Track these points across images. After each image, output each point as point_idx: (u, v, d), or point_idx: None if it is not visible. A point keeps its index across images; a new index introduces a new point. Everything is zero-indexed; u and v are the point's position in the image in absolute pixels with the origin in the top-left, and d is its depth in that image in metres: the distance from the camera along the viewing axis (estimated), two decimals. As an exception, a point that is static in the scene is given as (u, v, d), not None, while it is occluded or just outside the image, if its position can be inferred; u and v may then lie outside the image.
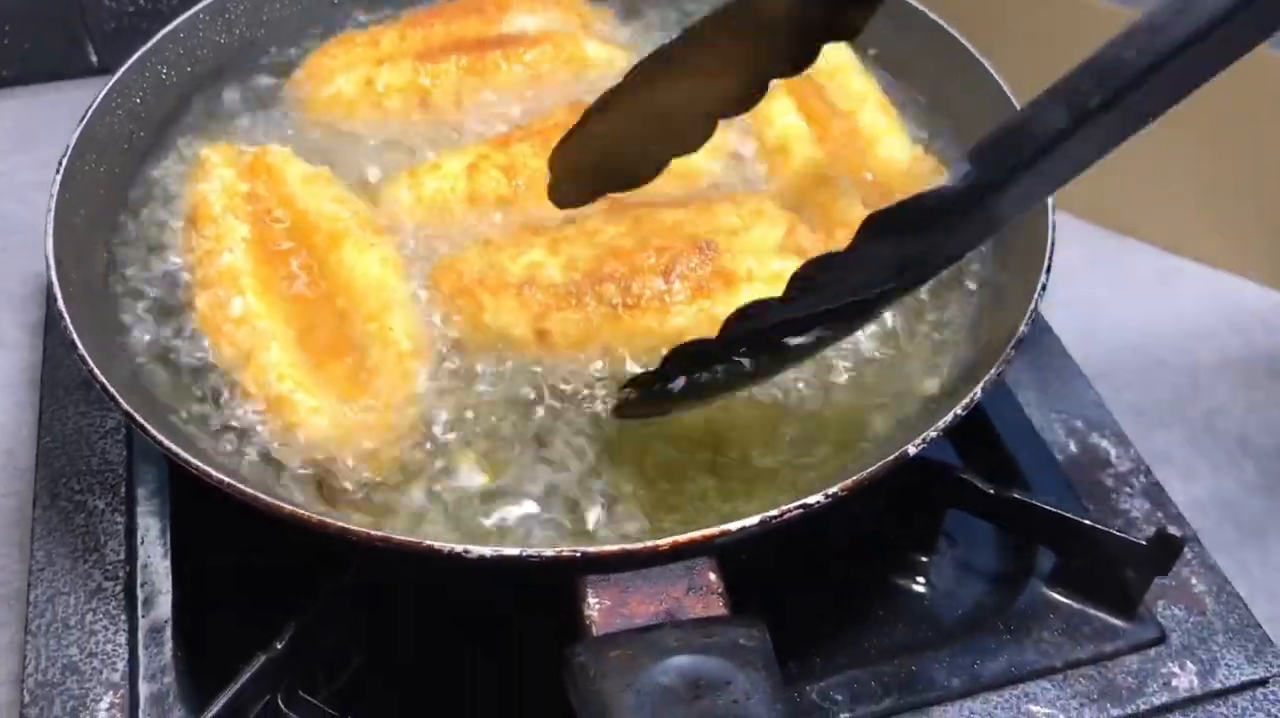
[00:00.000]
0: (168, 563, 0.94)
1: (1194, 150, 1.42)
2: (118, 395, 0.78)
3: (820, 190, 0.98)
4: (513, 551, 0.72)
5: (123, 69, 1.03)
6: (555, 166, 0.91)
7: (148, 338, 0.91)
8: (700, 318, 0.88)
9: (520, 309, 0.89)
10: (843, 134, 1.02)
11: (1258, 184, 1.40)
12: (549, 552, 0.71)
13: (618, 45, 1.14)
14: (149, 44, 1.06)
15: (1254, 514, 1.22)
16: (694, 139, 0.88)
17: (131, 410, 0.77)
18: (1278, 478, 1.26)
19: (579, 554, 0.71)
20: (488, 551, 0.71)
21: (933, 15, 1.10)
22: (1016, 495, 0.92)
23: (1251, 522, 1.22)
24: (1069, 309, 1.20)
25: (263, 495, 0.73)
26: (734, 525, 0.72)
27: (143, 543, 0.95)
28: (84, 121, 0.98)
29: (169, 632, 0.90)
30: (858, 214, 0.95)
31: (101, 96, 1.00)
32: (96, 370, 0.79)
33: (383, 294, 0.89)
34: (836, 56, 1.08)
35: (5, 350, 1.32)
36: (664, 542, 0.71)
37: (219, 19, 1.12)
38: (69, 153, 0.95)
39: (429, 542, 0.72)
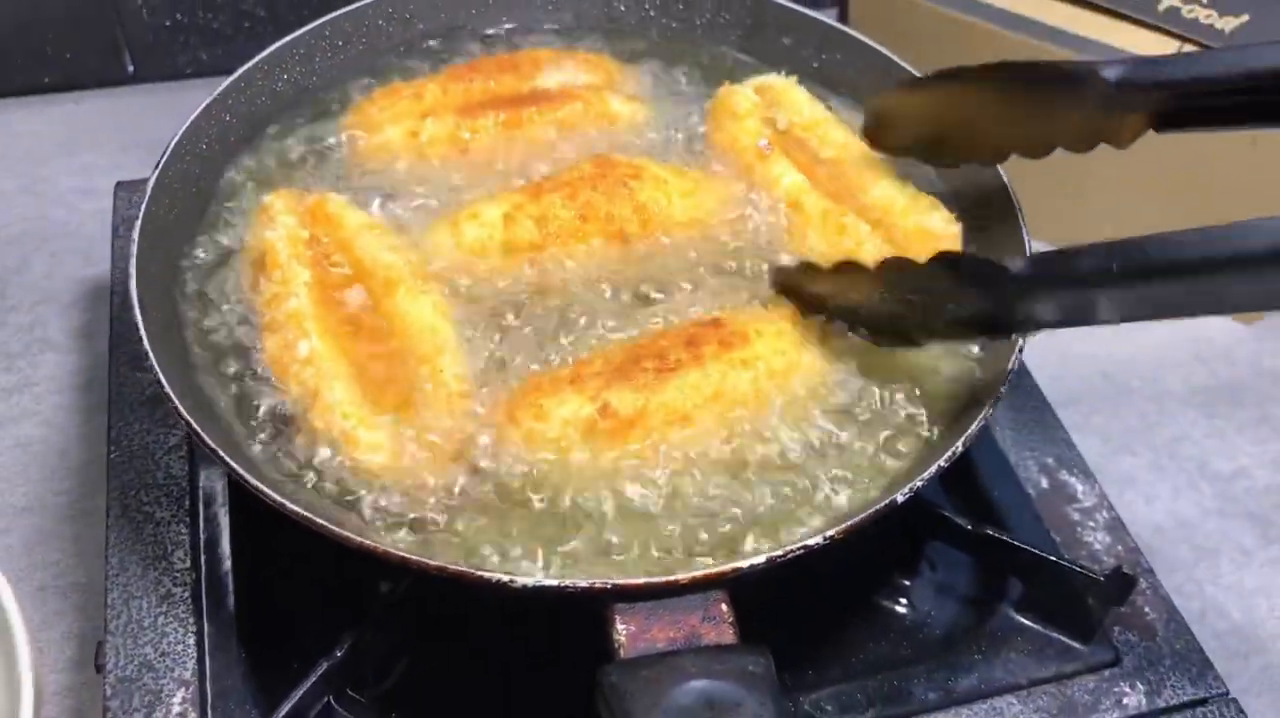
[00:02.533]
0: (229, 571, 1.04)
1: (1171, 184, 1.49)
2: (219, 450, 0.86)
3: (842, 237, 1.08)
4: (552, 582, 0.82)
5: (193, 115, 1.10)
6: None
7: (217, 377, 0.99)
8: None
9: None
10: (832, 179, 1.13)
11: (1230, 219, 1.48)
12: (583, 582, 0.82)
13: (641, 101, 1.23)
14: (215, 93, 1.13)
15: (1209, 535, 1.30)
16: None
17: (228, 458, 0.86)
18: (1232, 501, 1.35)
19: (609, 585, 0.82)
20: (530, 581, 0.82)
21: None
22: (990, 532, 1.02)
23: (1206, 542, 1.30)
24: (1046, 336, 1.29)
25: (337, 528, 0.82)
26: (744, 563, 0.83)
27: (205, 553, 1.05)
28: (159, 168, 1.05)
29: (233, 636, 1.00)
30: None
31: (175, 142, 1.08)
32: (196, 426, 0.87)
33: (435, 339, 0.97)
34: (810, 110, 1.18)
35: (56, 353, 1.39)
36: (683, 576, 0.82)
37: (276, 67, 1.20)
38: (148, 197, 1.02)
39: (479, 571, 0.82)
